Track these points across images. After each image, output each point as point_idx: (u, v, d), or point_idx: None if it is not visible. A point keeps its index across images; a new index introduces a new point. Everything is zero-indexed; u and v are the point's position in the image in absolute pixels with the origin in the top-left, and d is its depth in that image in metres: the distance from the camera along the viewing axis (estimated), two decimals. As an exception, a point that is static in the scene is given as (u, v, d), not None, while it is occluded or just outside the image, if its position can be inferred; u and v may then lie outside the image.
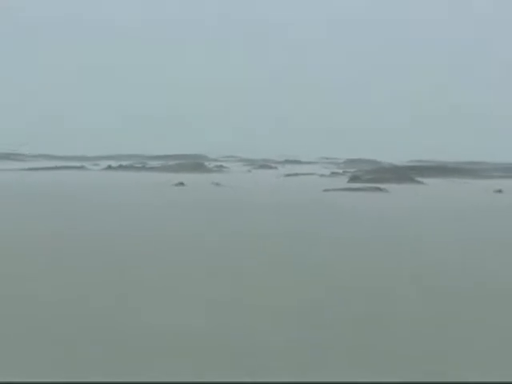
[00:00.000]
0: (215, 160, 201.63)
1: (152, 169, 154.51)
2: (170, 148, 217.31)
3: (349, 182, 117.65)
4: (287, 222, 71.54)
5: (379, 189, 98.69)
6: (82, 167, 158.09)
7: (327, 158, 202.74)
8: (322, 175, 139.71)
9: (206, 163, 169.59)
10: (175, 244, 52.48)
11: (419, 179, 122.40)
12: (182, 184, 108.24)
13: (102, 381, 15.07)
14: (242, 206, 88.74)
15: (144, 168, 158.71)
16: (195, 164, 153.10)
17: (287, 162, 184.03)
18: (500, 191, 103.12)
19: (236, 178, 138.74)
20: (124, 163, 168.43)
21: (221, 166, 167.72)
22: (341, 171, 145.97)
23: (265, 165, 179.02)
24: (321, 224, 68.13)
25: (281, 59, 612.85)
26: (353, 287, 34.69)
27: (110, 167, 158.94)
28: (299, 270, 41.00)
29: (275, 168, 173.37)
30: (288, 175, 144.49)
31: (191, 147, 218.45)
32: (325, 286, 35.60)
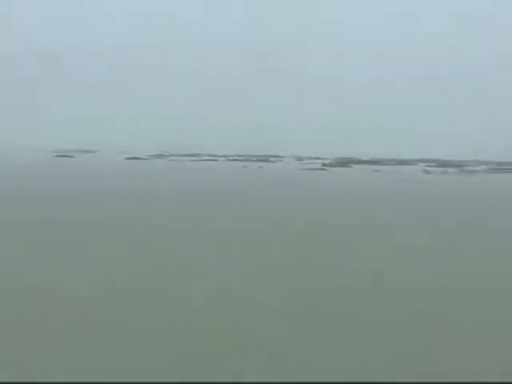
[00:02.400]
0: (281, 156, 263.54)
1: (243, 161, 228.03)
2: (267, 150, 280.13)
3: (320, 166, 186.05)
4: (253, 178, 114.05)
5: (325, 169, 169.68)
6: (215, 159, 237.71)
7: (337, 156, 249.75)
8: (317, 163, 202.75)
9: (273, 158, 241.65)
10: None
11: (353, 165, 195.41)
12: (245, 167, 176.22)
13: (101, 381, 14.26)
14: (250, 174, 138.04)
15: (244, 160, 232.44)
16: (265, 158, 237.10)
17: (314, 158, 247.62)
18: (377, 171, 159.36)
19: (275, 165, 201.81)
20: (238, 158, 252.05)
21: (279, 160, 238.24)
22: (328, 163, 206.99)
23: (300, 158, 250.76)
24: (270, 181, 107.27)
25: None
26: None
27: (235, 160, 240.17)
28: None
29: (303, 160, 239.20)
30: (302, 163, 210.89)
31: (278, 149, 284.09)
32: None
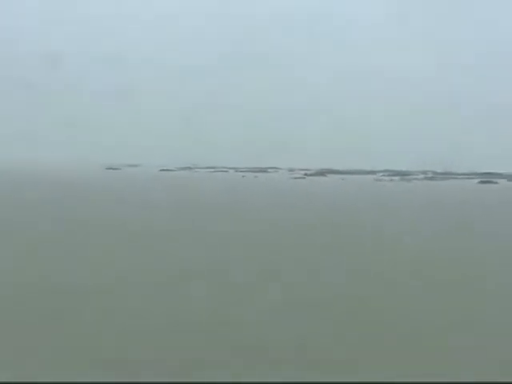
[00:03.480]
0: (278, 167, 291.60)
1: (247, 172, 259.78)
2: (268, 163, 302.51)
3: (302, 175, 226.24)
4: (245, 185, 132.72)
5: (304, 178, 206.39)
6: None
7: (321, 167, 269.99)
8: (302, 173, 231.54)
9: (270, 169, 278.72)
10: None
11: (328, 175, 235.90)
12: (244, 176, 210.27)
13: (101, 381, 13.87)
14: (244, 182, 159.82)
15: (250, 171, 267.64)
16: (264, 169, 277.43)
17: (304, 169, 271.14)
18: (343, 179, 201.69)
19: (268, 175, 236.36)
20: (244, 169, 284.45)
21: (275, 171, 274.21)
22: (310, 173, 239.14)
23: (292, 169, 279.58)
24: (260, 188, 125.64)
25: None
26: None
27: (241, 171, 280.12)
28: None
29: (294, 171, 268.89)
30: (291, 173, 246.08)
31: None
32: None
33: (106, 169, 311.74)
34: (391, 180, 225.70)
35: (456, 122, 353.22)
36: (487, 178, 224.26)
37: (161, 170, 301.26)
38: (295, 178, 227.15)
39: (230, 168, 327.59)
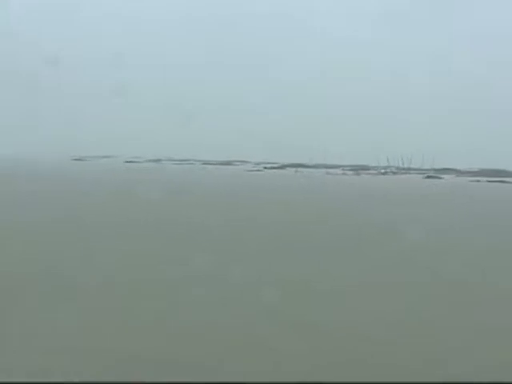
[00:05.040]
0: (247, 161, 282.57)
1: (213, 165, 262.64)
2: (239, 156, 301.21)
3: (261, 168, 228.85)
4: (211, 178, 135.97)
5: (261, 171, 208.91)
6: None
7: (289, 161, 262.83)
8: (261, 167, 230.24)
9: (237, 162, 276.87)
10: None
11: (287, 168, 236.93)
12: (204, 169, 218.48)
13: (101, 381, 12.93)
14: (201, 173, 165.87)
15: (216, 164, 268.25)
16: (231, 162, 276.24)
17: (272, 162, 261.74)
18: (297, 172, 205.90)
19: (231, 167, 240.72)
20: (211, 162, 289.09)
21: (242, 164, 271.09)
22: (269, 166, 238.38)
23: (259, 163, 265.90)
24: (223, 179, 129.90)
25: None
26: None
27: (208, 164, 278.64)
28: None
29: (260, 164, 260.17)
30: (254, 166, 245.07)
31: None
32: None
33: (73, 160, 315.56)
34: (344, 174, 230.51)
35: (425, 120, 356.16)
36: (441, 173, 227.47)
37: (126, 162, 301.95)
38: (250, 170, 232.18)
39: (197, 160, 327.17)
